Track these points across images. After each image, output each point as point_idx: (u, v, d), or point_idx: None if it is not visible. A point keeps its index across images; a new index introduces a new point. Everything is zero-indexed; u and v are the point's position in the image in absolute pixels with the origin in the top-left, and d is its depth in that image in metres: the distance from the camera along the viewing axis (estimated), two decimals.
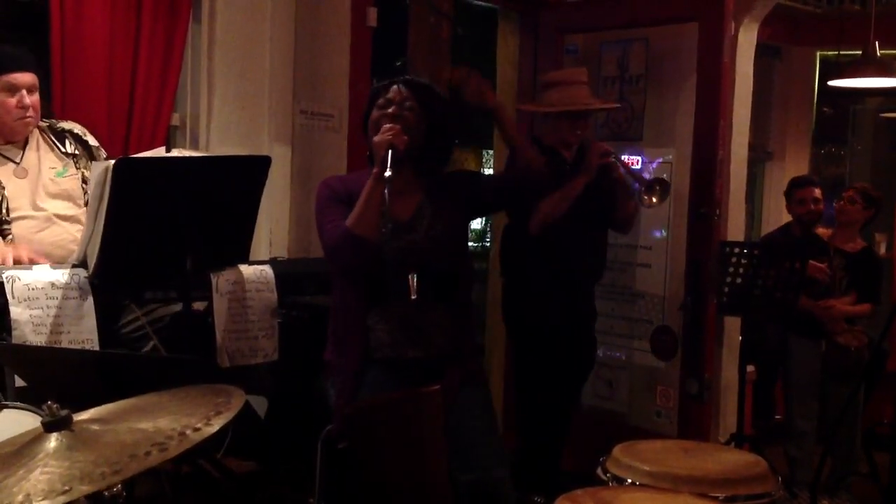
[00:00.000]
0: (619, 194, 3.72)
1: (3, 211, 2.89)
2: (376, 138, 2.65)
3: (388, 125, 2.65)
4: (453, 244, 2.79)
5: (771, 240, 5.00)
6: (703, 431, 4.10)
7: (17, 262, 2.70)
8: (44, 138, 3.05)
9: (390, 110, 2.70)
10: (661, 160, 4.29)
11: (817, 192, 4.75)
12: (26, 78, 2.92)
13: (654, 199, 3.63)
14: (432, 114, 2.75)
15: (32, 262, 2.72)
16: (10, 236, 2.87)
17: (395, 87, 2.75)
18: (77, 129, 3.13)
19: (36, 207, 2.94)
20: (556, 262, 3.66)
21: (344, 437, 2.67)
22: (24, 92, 2.91)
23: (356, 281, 2.72)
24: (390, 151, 2.57)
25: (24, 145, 3.00)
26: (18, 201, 2.92)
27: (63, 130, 3.10)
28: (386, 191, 2.51)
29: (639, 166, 4.34)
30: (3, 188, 2.91)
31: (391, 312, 2.69)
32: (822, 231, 4.80)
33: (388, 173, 2.52)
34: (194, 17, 3.69)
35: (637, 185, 3.74)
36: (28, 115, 2.93)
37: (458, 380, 2.71)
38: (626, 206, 3.75)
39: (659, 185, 3.63)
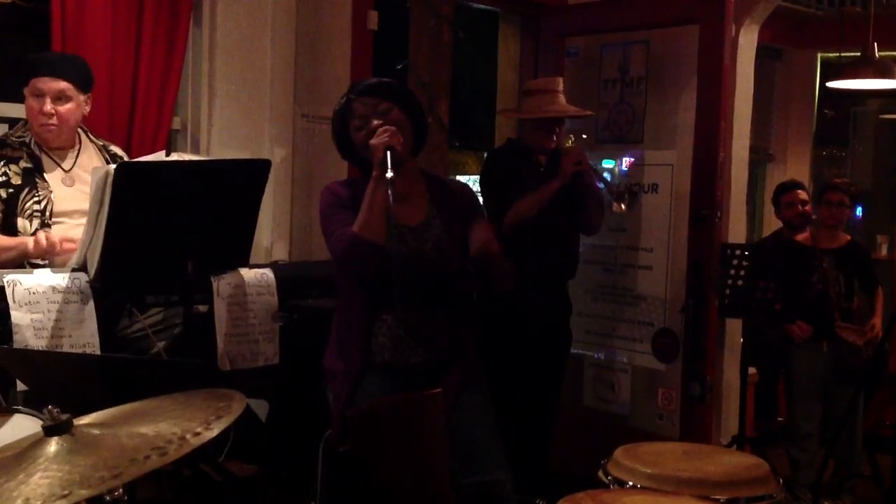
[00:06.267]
0: (589, 199, 3.85)
1: (47, 214, 2.91)
2: (373, 141, 2.59)
3: (382, 128, 2.60)
4: (459, 253, 2.76)
5: (763, 246, 4.98)
6: (704, 433, 4.10)
7: (50, 245, 2.75)
8: (98, 156, 3.08)
9: (374, 124, 2.64)
10: (661, 162, 4.30)
11: (803, 194, 4.85)
12: (55, 84, 2.91)
13: (623, 206, 3.78)
14: (409, 107, 2.73)
15: (64, 246, 2.77)
16: None
17: (356, 103, 2.68)
18: (121, 154, 3.18)
19: (74, 218, 2.95)
20: (527, 260, 3.73)
21: (343, 442, 2.66)
22: (48, 99, 2.90)
23: (362, 286, 2.68)
24: (388, 152, 2.53)
25: (77, 154, 3.04)
26: (60, 207, 2.95)
27: (115, 155, 3.14)
28: (389, 192, 2.47)
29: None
30: (51, 192, 2.93)
31: (395, 317, 2.66)
32: (802, 237, 4.68)
33: (389, 174, 2.49)
34: (195, 20, 3.69)
35: (605, 190, 3.90)
36: (51, 122, 2.92)
37: (459, 382, 2.70)
38: (594, 211, 3.89)
39: (628, 194, 3.79)
